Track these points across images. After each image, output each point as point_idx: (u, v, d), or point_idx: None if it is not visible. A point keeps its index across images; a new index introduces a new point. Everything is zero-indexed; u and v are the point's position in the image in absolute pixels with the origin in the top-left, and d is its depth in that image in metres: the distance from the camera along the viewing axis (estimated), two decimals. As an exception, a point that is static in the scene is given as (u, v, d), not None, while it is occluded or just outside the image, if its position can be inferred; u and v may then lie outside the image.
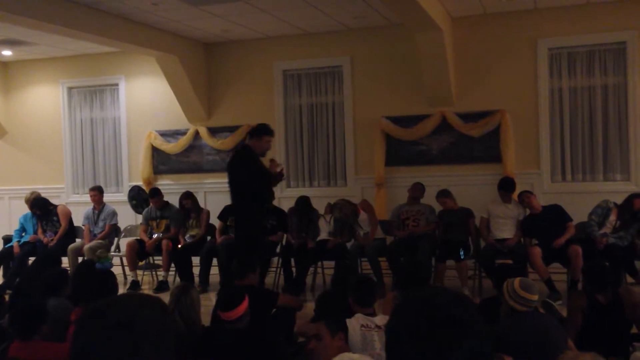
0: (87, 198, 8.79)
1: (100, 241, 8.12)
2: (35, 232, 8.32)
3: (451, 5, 7.54)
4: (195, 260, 7.85)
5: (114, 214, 8.44)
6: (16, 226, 8.61)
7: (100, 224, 8.36)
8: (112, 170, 9.90)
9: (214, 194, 9.14)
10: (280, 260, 7.60)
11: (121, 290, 6.48)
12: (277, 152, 8.96)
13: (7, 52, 9.57)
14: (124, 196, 9.30)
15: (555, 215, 6.84)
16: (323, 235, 7.52)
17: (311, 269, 7.55)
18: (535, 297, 3.61)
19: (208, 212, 8.20)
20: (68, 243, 8.20)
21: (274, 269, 7.69)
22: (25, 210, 8.55)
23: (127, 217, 9.06)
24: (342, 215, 7.41)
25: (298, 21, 8.09)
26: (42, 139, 10.07)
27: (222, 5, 7.22)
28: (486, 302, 4.45)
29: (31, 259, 8.07)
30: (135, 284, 7.89)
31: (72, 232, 8.45)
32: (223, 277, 7.37)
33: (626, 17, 7.58)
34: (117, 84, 9.75)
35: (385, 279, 7.22)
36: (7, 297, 4.99)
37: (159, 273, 8.15)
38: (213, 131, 9.23)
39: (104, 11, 7.25)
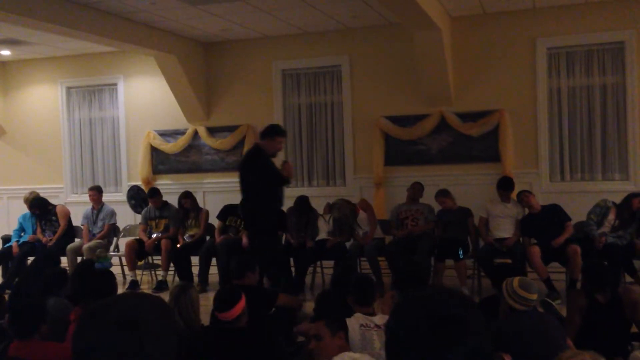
0: (86, 198, 8.78)
1: (99, 241, 8.12)
2: (34, 232, 8.32)
3: (450, 4, 7.55)
4: (195, 259, 7.85)
5: (112, 213, 8.43)
6: (15, 226, 8.60)
7: (99, 223, 8.36)
8: (111, 170, 9.89)
9: (213, 193, 9.15)
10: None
11: (120, 289, 6.47)
12: (276, 152, 8.97)
13: (5, 52, 9.56)
14: (122, 196, 9.30)
15: (554, 215, 6.84)
16: (322, 234, 7.53)
17: (310, 269, 7.55)
18: (535, 297, 3.61)
19: (207, 212, 8.21)
20: (67, 243, 8.20)
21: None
22: (24, 210, 8.54)
23: (126, 217, 9.06)
24: (341, 214, 7.42)
25: (297, 21, 8.09)
26: (41, 138, 10.06)
27: (221, 5, 7.22)
28: (485, 301, 4.46)
29: (30, 259, 8.06)
30: (134, 284, 7.88)
31: (71, 231, 8.44)
32: (222, 277, 7.38)
33: (624, 17, 7.59)
34: (115, 84, 9.75)
35: (385, 278, 7.22)
36: (6, 297, 4.98)
37: (158, 273, 8.15)
38: (212, 131, 9.23)
39: (103, 11, 7.25)
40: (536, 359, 3.25)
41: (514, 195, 7.19)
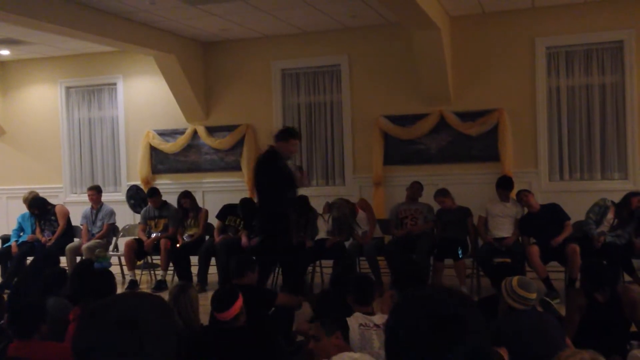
0: (85, 198, 8.78)
1: (98, 241, 8.12)
2: (33, 232, 8.32)
3: (449, 4, 7.55)
4: (194, 259, 7.85)
5: (112, 213, 8.43)
6: (14, 226, 8.60)
7: (99, 223, 8.35)
8: (110, 170, 9.89)
9: (212, 193, 9.15)
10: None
11: (119, 289, 6.47)
12: (275, 151, 8.97)
13: (5, 52, 9.56)
14: (122, 196, 9.30)
15: (553, 214, 6.85)
16: (321, 234, 7.53)
17: (310, 268, 7.55)
18: (534, 296, 3.61)
19: (206, 212, 8.21)
20: (66, 243, 8.19)
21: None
22: (24, 209, 8.54)
23: (125, 217, 9.06)
24: (341, 214, 7.42)
25: (296, 20, 8.10)
26: (40, 138, 10.06)
27: (220, 5, 7.22)
28: (485, 300, 4.46)
29: (29, 259, 8.06)
30: (134, 284, 7.88)
31: (70, 231, 8.44)
32: (221, 277, 7.38)
33: (623, 16, 7.59)
34: (115, 84, 9.74)
35: (384, 277, 7.22)
36: (5, 297, 4.98)
37: (157, 272, 8.15)
38: (211, 130, 9.23)
39: (102, 10, 7.25)
40: (535, 358, 3.25)
41: (513, 194, 7.19)
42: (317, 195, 8.31)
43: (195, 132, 9.27)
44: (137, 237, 8.18)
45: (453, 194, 7.39)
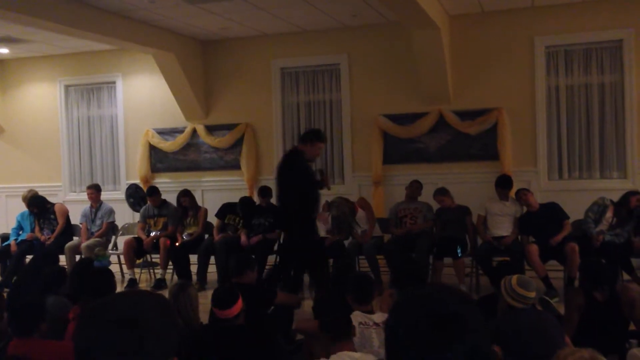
0: (84, 196, 8.78)
1: (97, 239, 8.11)
2: (32, 231, 8.31)
3: (449, 3, 7.55)
4: (193, 258, 7.85)
5: (111, 212, 8.43)
6: (13, 224, 8.60)
7: (98, 222, 8.35)
8: (110, 169, 9.89)
9: (211, 191, 9.15)
10: (278, 258, 7.60)
11: (119, 288, 6.47)
12: (274, 150, 8.98)
13: (4, 50, 9.55)
14: (121, 194, 9.30)
15: (552, 213, 6.85)
16: (321, 233, 7.52)
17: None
18: (533, 294, 3.62)
19: (206, 210, 8.21)
20: (65, 241, 8.19)
21: (271, 267, 7.69)
22: (23, 208, 8.54)
23: (125, 215, 9.07)
24: (340, 213, 7.42)
25: (296, 19, 8.09)
26: (39, 137, 10.05)
27: (219, 3, 7.22)
28: (484, 299, 4.46)
29: (28, 258, 8.06)
30: (133, 282, 7.88)
31: (70, 230, 8.44)
32: (221, 275, 7.39)
33: (623, 15, 7.60)
34: (114, 82, 9.74)
35: (383, 276, 7.23)
36: (4, 295, 4.98)
37: (156, 271, 8.15)
38: (210, 129, 9.23)
39: (102, 9, 7.24)
40: (534, 357, 3.26)
41: (512, 193, 7.20)
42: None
43: (194, 131, 9.27)
44: (136, 236, 8.18)
45: (452, 193, 7.40)
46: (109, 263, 7.05)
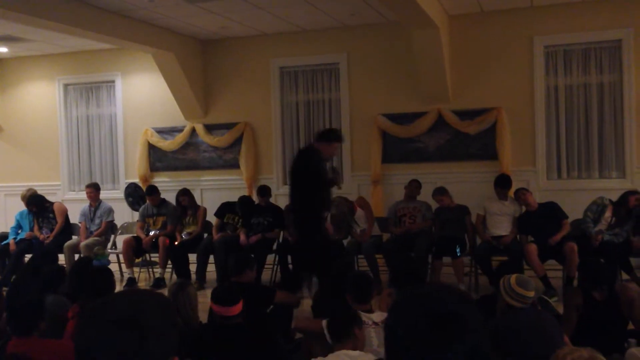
0: (83, 195, 8.78)
1: (96, 238, 8.11)
2: (31, 230, 8.31)
3: (448, 2, 7.55)
4: (192, 257, 7.86)
5: (110, 211, 8.43)
6: (12, 223, 8.59)
7: (97, 221, 8.35)
8: (109, 168, 9.88)
9: (210, 191, 9.15)
10: (277, 258, 7.61)
11: (118, 287, 6.47)
12: (274, 149, 8.98)
13: (3, 49, 9.54)
14: (120, 193, 9.30)
15: (551, 213, 6.86)
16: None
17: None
18: (532, 294, 3.62)
19: (205, 209, 8.21)
20: (64, 240, 8.18)
21: (271, 266, 7.70)
22: (22, 207, 8.53)
23: (124, 214, 9.07)
24: (339, 212, 7.41)
25: (295, 18, 8.09)
26: (38, 136, 10.04)
27: (219, 3, 7.21)
28: (483, 299, 4.47)
29: (27, 257, 8.06)
30: (132, 281, 7.88)
31: (69, 229, 8.43)
32: (220, 274, 7.39)
33: (622, 15, 7.60)
34: (113, 81, 9.73)
35: (382, 275, 7.23)
36: (4, 294, 4.98)
37: (155, 270, 8.15)
38: (209, 128, 9.23)
39: (101, 8, 7.24)
40: (533, 356, 3.26)
41: (511, 193, 7.20)
42: (315, 193, 8.29)
43: (193, 130, 9.27)
44: (135, 235, 8.17)
45: (451, 192, 7.40)
46: (108, 262, 7.05)
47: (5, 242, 8.34)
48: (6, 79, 10.22)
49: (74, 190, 9.91)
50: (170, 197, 8.33)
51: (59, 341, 3.62)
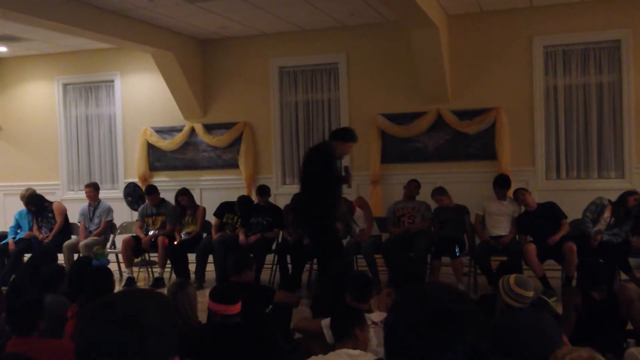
0: (82, 195, 8.78)
1: (95, 238, 8.11)
2: (30, 229, 8.30)
3: (447, 2, 7.56)
4: (191, 257, 7.85)
5: (109, 210, 8.42)
6: (11, 223, 8.59)
7: (96, 220, 8.34)
8: (108, 167, 9.88)
9: (209, 190, 9.15)
10: (276, 257, 7.61)
11: (117, 287, 6.47)
12: (273, 149, 8.98)
13: (2, 49, 9.53)
14: (119, 193, 9.30)
15: (550, 213, 6.86)
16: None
17: (307, 266, 7.56)
18: (531, 294, 3.63)
19: (204, 209, 8.21)
20: (63, 240, 8.18)
21: (270, 266, 7.70)
22: (21, 207, 8.52)
23: (123, 214, 9.06)
24: (339, 212, 7.41)
25: (294, 18, 8.09)
26: (37, 135, 10.04)
27: (218, 2, 7.21)
28: (483, 299, 4.47)
29: (27, 256, 8.05)
30: (131, 281, 7.88)
31: (68, 228, 8.43)
32: (219, 274, 7.39)
33: (621, 15, 7.61)
34: (112, 81, 9.73)
35: (381, 275, 7.24)
36: (3, 293, 4.98)
37: (154, 270, 8.15)
38: (209, 128, 9.23)
39: (100, 7, 7.24)
40: (532, 356, 3.27)
41: (510, 193, 7.21)
42: (314, 193, 8.29)
43: (192, 130, 9.27)
44: (134, 235, 8.17)
45: (450, 192, 7.40)
46: (108, 262, 7.03)
47: (4, 241, 8.34)
48: (5, 79, 10.22)
49: (73, 190, 9.91)
50: (170, 196, 8.33)
51: (58, 341, 3.62)
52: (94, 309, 1.22)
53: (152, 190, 8.26)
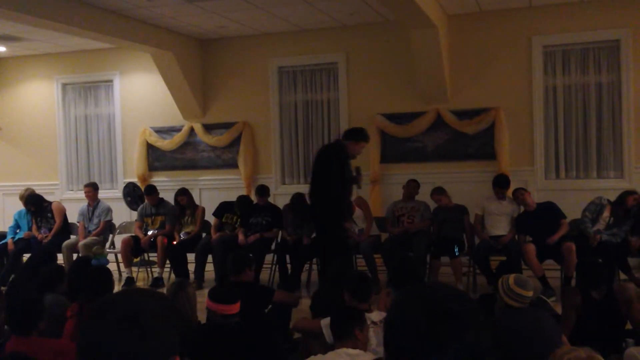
0: (81, 194, 8.77)
1: (95, 238, 8.10)
2: (29, 229, 8.29)
3: (446, 2, 7.56)
4: (190, 257, 7.85)
5: (108, 210, 8.42)
6: (10, 223, 8.58)
7: (95, 220, 8.34)
8: (107, 167, 9.88)
9: (209, 190, 9.15)
10: (276, 257, 7.61)
11: (116, 287, 6.47)
12: (272, 149, 8.98)
13: (1, 48, 9.52)
14: (118, 193, 9.30)
15: (549, 213, 6.86)
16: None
17: (306, 266, 7.56)
18: (530, 294, 3.63)
19: (203, 209, 8.21)
20: (63, 240, 8.17)
21: (269, 266, 7.70)
22: (20, 206, 8.52)
23: (122, 214, 9.06)
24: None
25: (293, 18, 8.09)
26: (36, 135, 10.03)
27: (217, 2, 7.21)
28: (482, 298, 4.47)
29: (26, 256, 8.05)
30: (130, 281, 7.87)
31: (67, 228, 8.42)
32: (218, 274, 7.39)
33: (620, 15, 7.62)
34: (111, 80, 9.72)
35: (380, 275, 7.24)
36: (2, 292, 4.98)
37: (153, 270, 8.15)
38: (208, 128, 9.23)
39: (99, 7, 7.23)
40: (532, 356, 3.27)
41: (509, 192, 7.21)
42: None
43: (192, 130, 9.26)
44: (133, 235, 8.17)
45: (450, 192, 7.41)
46: (107, 262, 7.03)
47: (3, 241, 8.33)
48: (4, 78, 10.21)
49: (72, 190, 9.91)
50: (169, 196, 8.33)
51: (58, 340, 3.63)
52: (96, 308, 1.22)
53: (151, 190, 8.25)
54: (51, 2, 6.72)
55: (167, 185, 9.04)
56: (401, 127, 8.36)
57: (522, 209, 7.06)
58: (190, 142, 9.34)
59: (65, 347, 3.37)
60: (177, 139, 9.31)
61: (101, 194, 8.69)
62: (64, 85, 9.97)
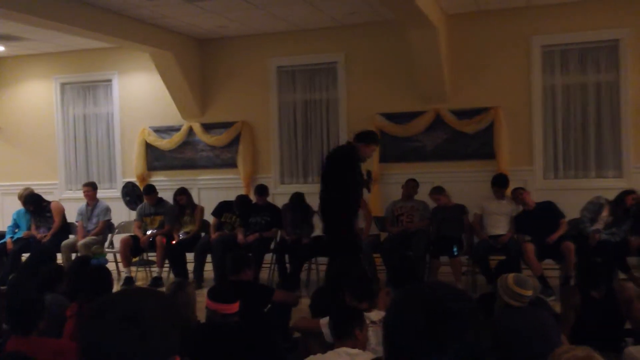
0: (80, 194, 8.77)
1: (94, 237, 8.10)
2: (28, 229, 8.29)
3: (445, 2, 7.56)
4: (190, 256, 7.85)
5: (107, 210, 8.41)
6: (9, 222, 8.58)
7: (94, 220, 8.33)
8: (106, 167, 9.87)
9: (208, 190, 9.15)
10: (275, 257, 7.61)
11: (115, 286, 6.47)
12: (271, 149, 8.98)
13: (0, 48, 9.52)
14: (117, 192, 9.29)
15: (548, 212, 6.87)
16: (317, 231, 7.53)
17: (305, 265, 7.56)
18: (530, 293, 3.63)
19: (202, 209, 8.21)
20: (62, 239, 8.17)
21: (268, 265, 7.70)
22: (19, 206, 8.51)
23: (121, 214, 9.05)
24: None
25: (293, 18, 8.09)
26: (35, 135, 10.03)
27: (217, 2, 7.21)
28: (482, 298, 4.48)
29: (25, 256, 8.04)
30: (129, 280, 7.87)
31: (66, 228, 8.42)
32: (217, 274, 7.39)
33: (619, 15, 7.62)
34: (110, 80, 9.72)
35: (380, 275, 7.24)
36: (2, 292, 4.97)
37: (152, 269, 8.14)
38: (207, 127, 9.22)
39: (98, 7, 7.23)
40: (531, 355, 3.27)
41: (508, 192, 7.21)
42: (313, 192, 8.27)
43: (191, 129, 9.26)
44: (132, 234, 8.17)
45: (449, 192, 7.41)
46: (106, 261, 7.03)
47: (2, 241, 8.33)
48: (3, 78, 10.20)
49: (71, 189, 9.90)
50: (168, 196, 8.33)
51: (57, 340, 3.63)
52: (97, 307, 1.22)
53: (150, 189, 8.25)
54: (51, 2, 6.71)
55: (166, 184, 9.04)
56: (400, 127, 8.36)
57: (521, 208, 7.07)
58: (189, 141, 9.34)
59: (65, 347, 3.37)
60: (176, 138, 9.30)
61: (100, 194, 8.69)
62: (63, 85, 9.97)
